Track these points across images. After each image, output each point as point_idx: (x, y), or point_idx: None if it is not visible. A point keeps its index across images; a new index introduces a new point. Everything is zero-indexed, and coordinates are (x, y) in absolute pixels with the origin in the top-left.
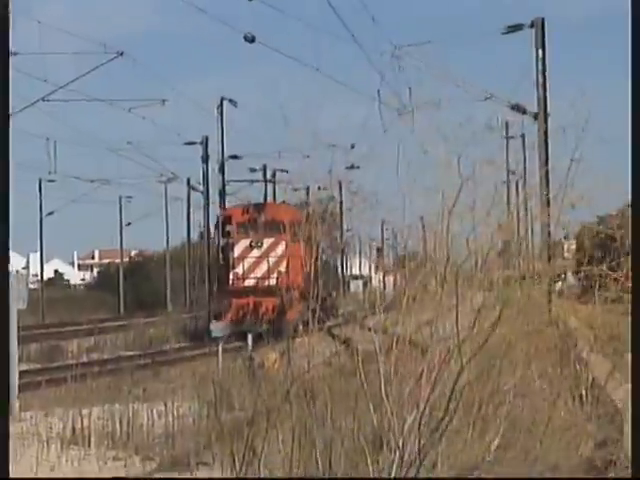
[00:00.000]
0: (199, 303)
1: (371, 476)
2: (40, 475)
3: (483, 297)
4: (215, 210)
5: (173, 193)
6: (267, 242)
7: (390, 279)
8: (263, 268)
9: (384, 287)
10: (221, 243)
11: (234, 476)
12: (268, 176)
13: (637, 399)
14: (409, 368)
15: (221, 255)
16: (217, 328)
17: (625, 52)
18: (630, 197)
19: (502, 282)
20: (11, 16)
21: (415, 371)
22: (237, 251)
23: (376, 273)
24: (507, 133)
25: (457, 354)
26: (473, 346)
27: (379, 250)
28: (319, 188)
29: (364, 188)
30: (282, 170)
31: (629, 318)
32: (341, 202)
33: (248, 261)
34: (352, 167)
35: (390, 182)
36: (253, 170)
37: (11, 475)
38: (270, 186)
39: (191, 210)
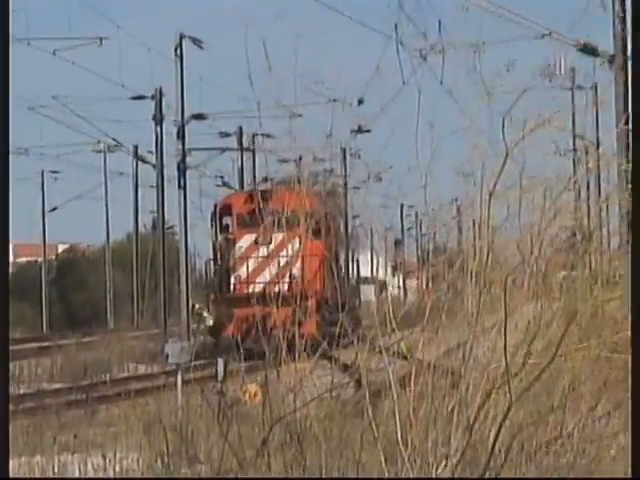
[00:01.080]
0: (152, 316)
1: None
2: None
3: (537, 308)
4: (173, 190)
5: (115, 167)
6: (277, 238)
7: (412, 283)
8: (272, 270)
9: (404, 294)
10: (218, 239)
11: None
12: (245, 142)
13: (637, 399)
14: (436, 406)
15: (218, 254)
16: (175, 350)
17: None
18: (630, 195)
19: (564, 287)
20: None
21: (444, 410)
22: (239, 249)
23: (394, 275)
24: (573, 83)
25: (502, 387)
26: (525, 376)
27: (398, 243)
28: (315, 159)
29: (376, 159)
30: (264, 135)
31: (629, 317)
32: (345, 178)
33: (253, 262)
34: (360, 130)
35: (411, 151)
36: (225, 134)
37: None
38: (248, 156)
39: (140, 190)
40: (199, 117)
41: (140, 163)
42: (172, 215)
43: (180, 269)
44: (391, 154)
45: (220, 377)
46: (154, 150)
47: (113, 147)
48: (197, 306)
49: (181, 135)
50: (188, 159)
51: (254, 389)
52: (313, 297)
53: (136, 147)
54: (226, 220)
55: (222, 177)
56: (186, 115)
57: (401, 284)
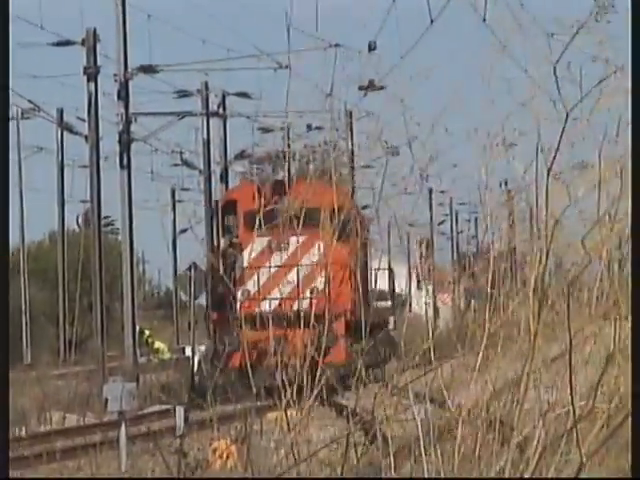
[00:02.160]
0: (85, 347)
1: None
2: None
3: (615, 333)
4: (113, 170)
5: (31, 139)
6: (295, 242)
7: (445, 298)
8: (289, 283)
9: (434, 314)
10: (221, 244)
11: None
12: (213, 105)
13: (637, 397)
14: (480, 470)
15: (221, 262)
16: (117, 394)
17: None
18: (630, 195)
19: None
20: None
21: (491, 473)
22: (248, 257)
23: (419, 288)
24: None
25: (569, 439)
26: (598, 425)
27: (425, 244)
28: (309, 128)
29: (393, 126)
30: (239, 94)
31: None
32: (351, 153)
33: (265, 272)
34: (370, 87)
35: (442, 116)
36: (184, 93)
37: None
38: (217, 123)
39: (66, 171)
40: (148, 70)
41: (66, 134)
42: (111, 206)
43: (123, 280)
44: (414, 120)
45: (180, 430)
46: (86, 116)
47: (28, 111)
48: (147, 332)
49: (123, 95)
50: (133, 128)
51: (225, 446)
52: (341, 317)
53: (61, 111)
54: (230, 220)
55: (181, 152)
56: (130, 67)
57: (429, 300)
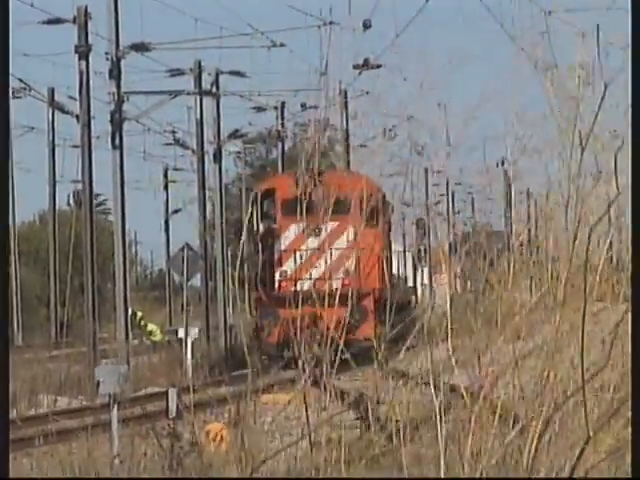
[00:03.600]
0: (77, 329)
1: None
2: None
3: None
4: (105, 151)
5: (22, 118)
6: (329, 227)
7: (442, 279)
8: (323, 265)
9: (430, 295)
10: (260, 229)
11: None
12: (206, 83)
13: (637, 399)
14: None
15: (260, 246)
16: (109, 377)
17: None
18: (630, 197)
19: None
20: None
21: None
22: (285, 241)
23: (415, 269)
24: None
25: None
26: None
27: (420, 224)
28: (303, 107)
29: (389, 105)
30: (233, 72)
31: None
32: (346, 132)
33: (301, 255)
34: (366, 65)
35: (439, 94)
36: (176, 72)
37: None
38: (210, 102)
39: (57, 151)
40: (140, 48)
41: (58, 113)
42: (103, 186)
43: (115, 261)
44: (410, 99)
45: (172, 413)
46: (77, 95)
47: (19, 90)
48: (139, 314)
49: (115, 74)
50: (125, 107)
51: (218, 429)
52: (370, 296)
53: (52, 91)
54: (269, 207)
55: (174, 132)
56: (122, 45)
57: (426, 281)
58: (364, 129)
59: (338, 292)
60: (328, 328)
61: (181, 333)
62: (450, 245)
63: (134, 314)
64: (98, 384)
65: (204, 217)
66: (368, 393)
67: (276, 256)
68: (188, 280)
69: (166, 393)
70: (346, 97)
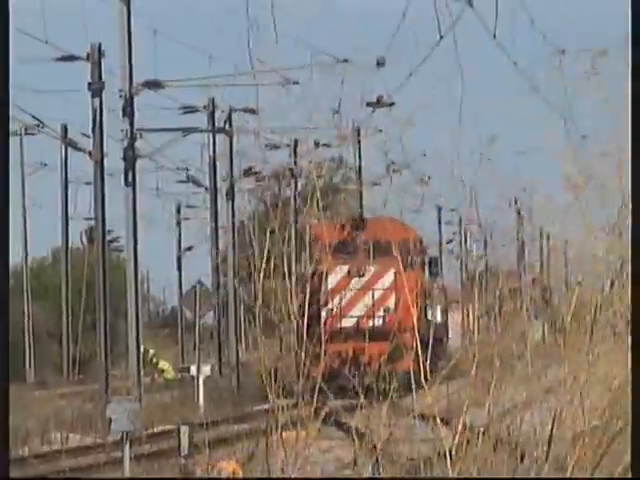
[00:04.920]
0: (89, 366)
1: None
2: None
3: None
4: (118, 188)
5: (35, 155)
6: (371, 270)
7: (456, 317)
8: (366, 304)
9: (446, 334)
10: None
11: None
12: (219, 121)
13: (637, 399)
14: None
15: (308, 287)
16: (121, 414)
17: None
18: (630, 197)
19: None
20: None
21: None
22: (332, 282)
23: (428, 307)
24: None
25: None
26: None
27: (433, 263)
28: (317, 145)
29: (402, 143)
30: (247, 110)
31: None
32: (359, 169)
33: (346, 295)
34: (379, 103)
35: (452, 132)
36: (190, 110)
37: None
38: (222, 139)
39: (70, 188)
40: (153, 85)
41: (71, 150)
42: (116, 223)
43: (128, 298)
44: (423, 137)
45: (184, 451)
46: (90, 132)
47: (32, 127)
48: (151, 352)
49: (129, 111)
50: (139, 144)
51: (232, 467)
52: (409, 332)
53: (65, 127)
54: (315, 250)
55: (187, 169)
56: (135, 83)
57: (439, 319)
58: (377, 167)
59: (379, 329)
60: (371, 361)
61: (193, 370)
62: (463, 284)
63: (146, 352)
64: (110, 421)
65: (217, 254)
66: (380, 431)
67: (323, 295)
68: (200, 317)
69: (178, 430)
70: (359, 135)
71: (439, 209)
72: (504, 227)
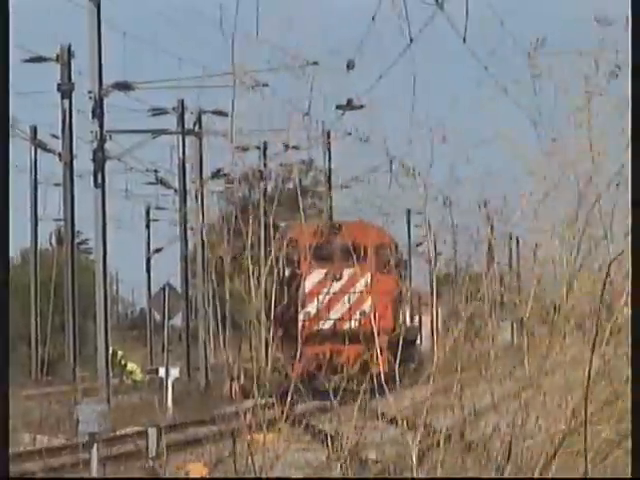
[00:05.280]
0: (57, 367)
1: None
2: None
3: (599, 357)
4: (87, 189)
5: None
6: (348, 273)
7: (425, 319)
8: (343, 307)
9: (418, 336)
10: (285, 273)
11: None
12: (188, 122)
13: (637, 399)
14: None
15: (285, 289)
16: (89, 415)
17: None
18: (630, 198)
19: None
20: None
21: None
22: (309, 285)
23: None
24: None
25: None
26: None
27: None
28: (286, 147)
29: (372, 146)
30: (216, 112)
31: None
32: (329, 172)
33: (323, 298)
34: (350, 106)
35: (422, 134)
36: (159, 111)
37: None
38: (192, 141)
39: (40, 189)
40: (123, 87)
41: (40, 151)
42: (85, 225)
43: (96, 300)
44: (394, 139)
45: (152, 452)
46: (60, 134)
47: None
48: (120, 353)
49: (98, 113)
50: (108, 146)
51: (199, 469)
52: (384, 334)
53: (34, 129)
54: (293, 254)
55: (156, 171)
56: (105, 84)
57: (409, 321)
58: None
59: (355, 331)
60: (347, 364)
61: (162, 372)
62: (430, 286)
63: (114, 353)
64: (78, 423)
65: (186, 256)
66: (350, 433)
67: (300, 298)
68: (169, 319)
69: (146, 432)
70: (329, 137)
71: (408, 212)
72: (473, 229)
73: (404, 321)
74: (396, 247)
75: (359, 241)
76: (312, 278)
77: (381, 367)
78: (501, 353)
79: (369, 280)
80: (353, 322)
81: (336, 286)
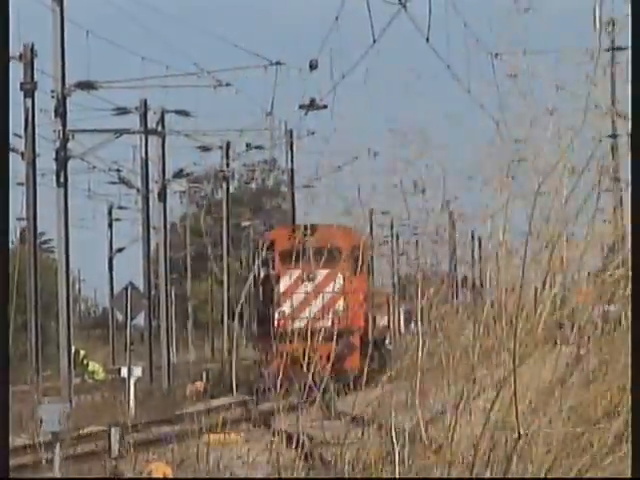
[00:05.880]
0: (19, 367)
1: None
2: None
3: (562, 358)
4: (50, 188)
5: None
6: (321, 274)
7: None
8: (316, 306)
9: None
10: (261, 274)
11: None
12: (151, 122)
13: (637, 398)
14: None
15: (261, 289)
16: (52, 415)
17: None
18: (630, 198)
19: (600, 330)
20: None
21: None
22: (283, 285)
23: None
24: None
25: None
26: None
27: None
28: (248, 147)
29: (334, 146)
30: (179, 112)
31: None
32: (292, 172)
33: (297, 298)
34: (312, 106)
35: (385, 134)
36: (122, 111)
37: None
38: (155, 140)
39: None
40: (86, 86)
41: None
42: (47, 224)
43: (59, 299)
44: (356, 139)
45: (115, 452)
46: (22, 132)
47: None
48: (82, 352)
49: (61, 112)
50: (71, 145)
51: (162, 469)
52: (357, 333)
53: None
54: (269, 255)
55: (119, 170)
56: (68, 83)
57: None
58: (309, 169)
59: (329, 330)
60: (320, 361)
61: (124, 372)
62: (394, 286)
63: (77, 353)
64: (41, 422)
65: (148, 256)
66: (315, 434)
67: (275, 297)
68: (132, 319)
69: (108, 432)
70: (292, 137)
71: (370, 212)
72: (435, 229)
73: (374, 320)
74: (368, 249)
75: (334, 243)
76: (287, 278)
77: (354, 364)
78: (464, 353)
79: (342, 281)
80: (326, 321)
81: (310, 286)
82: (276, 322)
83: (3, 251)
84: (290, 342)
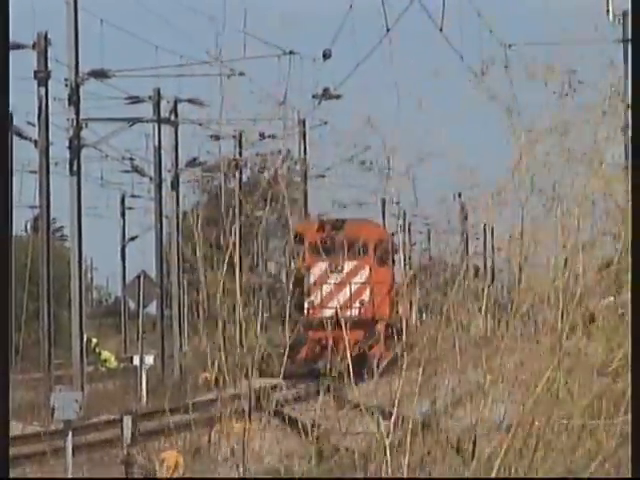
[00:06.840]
0: (32, 354)
1: None
2: None
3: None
4: (63, 177)
5: None
6: (348, 266)
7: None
8: (343, 296)
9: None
10: (291, 266)
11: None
12: (165, 111)
13: (637, 398)
14: None
15: (292, 280)
16: (64, 403)
17: None
18: (630, 198)
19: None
20: None
21: None
22: (313, 276)
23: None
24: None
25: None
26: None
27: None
28: (262, 137)
29: (348, 136)
30: (192, 100)
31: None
32: (305, 162)
33: (326, 288)
34: (326, 95)
35: (398, 125)
36: (135, 99)
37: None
38: (168, 129)
39: (15, 176)
40: (100, 75)
41: (16, 138)
42: (61, 212)
43: (71, 288)
44: (370, 129)
45: (127, 440)
46: (36, 121)
47: None
48: (94, 341)
49: (74, 100)
50: (84, 134)
51: (174, 458)
52: (382, 322)
53: (11, 116)
54: (299, 248)
55: (132, 159)
56: (82, 72)
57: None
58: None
59: (356, 319)
60: (347, 348)
61: (136, 360)
62: (406, 276)
63: (89, 341)
64: (53, 410)
65: (161, 244)
66: (324, 423)
67: (305, 288)
68: (144, 307)
69: (121, 420)
70: (305, 126)
71: (383, 202)
72: (448, 219)
73: (397, 310)
74: (393, 243)
75: (360, 237)
76: (316, 270)
77: (380, 351)
78: (474, 342)
79: (368, 272)
80: (354, 310)
81: (337, 278)
82: (305, 311)
83: (4, 243)
84: (320, 329)
